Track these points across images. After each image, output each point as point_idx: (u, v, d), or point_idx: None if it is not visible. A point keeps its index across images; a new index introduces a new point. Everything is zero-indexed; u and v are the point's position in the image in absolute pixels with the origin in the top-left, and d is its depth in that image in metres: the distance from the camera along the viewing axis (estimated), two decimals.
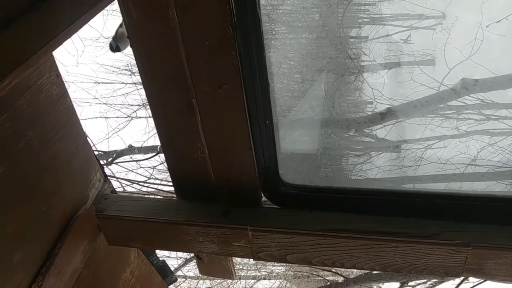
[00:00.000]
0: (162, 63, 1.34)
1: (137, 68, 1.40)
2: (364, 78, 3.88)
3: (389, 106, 3.26)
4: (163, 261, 2.09)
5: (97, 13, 1.02)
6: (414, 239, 1.38)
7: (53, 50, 1.19)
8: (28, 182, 1.36)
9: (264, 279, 10.62)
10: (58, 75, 1.46)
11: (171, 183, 1.71)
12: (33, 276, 1.39)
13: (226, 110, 1.38)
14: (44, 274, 1.40)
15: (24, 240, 1.36)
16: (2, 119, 1.25)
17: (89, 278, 1.64)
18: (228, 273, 1.85)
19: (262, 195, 1.58)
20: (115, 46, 4.63)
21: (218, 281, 10.21)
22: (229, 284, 10.26)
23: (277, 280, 10.87)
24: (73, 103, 1.58)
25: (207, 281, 10.00)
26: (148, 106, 1.48)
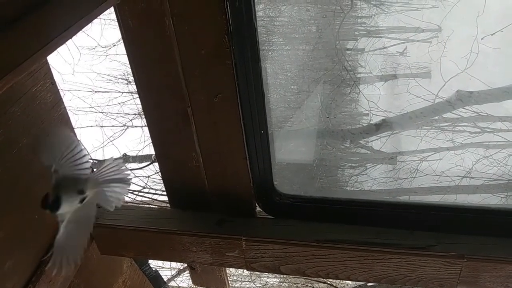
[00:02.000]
0: (158, 72, 1.34)
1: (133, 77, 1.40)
2: (360, 90, 3.90)
3: (384, 117, 3.27)
4: (156, 271, 2.07)
5: (92, 20, 1.02)
6: (409, 250, 1.38)
7: (48, 55, 1.18)
8: (21, 189, 1.35)
9: None
10: (53, 83, 1.45)
11: (165, 193, 1.70)
12: (24, 285, 1.38)
13: (221, 119, 1.38)
14: (34, 283, 1.39)
15: (16, 248, 1.34)
16: None
17: (80, 287, 1.62)
18: (221, 284, 1.84)
19: (257, 205, 1.58)
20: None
21: None
22: None
23: None
24: (69, 111, 1.58)
25: None
26: (144, 115, 1.48)
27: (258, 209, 1.60)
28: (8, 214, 1.30)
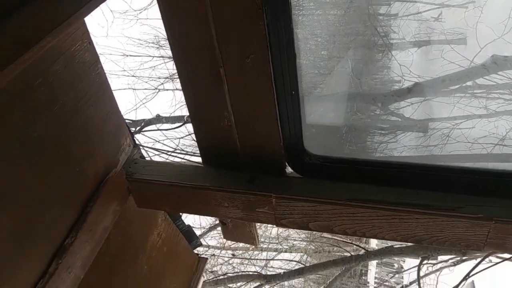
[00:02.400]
0: (191, 33, 1.37)
1: (164, 42, 1.43)
2: (392, 55, 3.83)
3: (417, 81, 3.21)
4: (188, 226, 2.16)
5: None
6: (437, 211, 1.39)
7: (85, 16, 1.23)
8: (62, 145, 1.42)
9: (286, 252, 10.76)
10: (91, 43, 1.50)
11: (197, 154, 1.75)
12: (67, 231, 1.47)
13: (253, 80, 1.40)
14: (77, 230, 1.48)
15: (60, 198, 1.43)
16: (38, 83, 1.30)
17: (118, 237, 1.72)
18: (251, 239, 1.91)
19: (287, 164, 1.61)
20: None
21: (240, 252, 10.40)
22: (250, 255, 10.44)
23: (298, 254, 10.99)
24: None
25: (229, 251, 10.20)
26: (175, 79, 1.52)
27: (288, 169, 1.64)
28: (50, 169, 1.39)
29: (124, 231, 1.74)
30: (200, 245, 2.25)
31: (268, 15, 1.27)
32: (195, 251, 2.31)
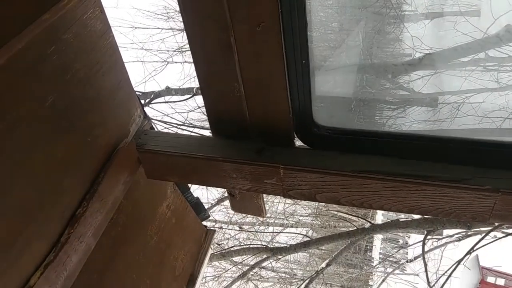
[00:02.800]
0: (202, 1, 1.36)
1: (173, 13, 1.43)
2: (404, 27, 3.76)
3: (428, 52, 3.17)
4: (197, 198, 2.19)
5: None
6: (444, 183, 1.40)
7: None
8: (75, 113, 1.44)
9: (291, 227, 10.88)
10: (102, 11, 1.50)
11: (206, 128, 1.76)
12: (79, 201, 1.50)
13: (263, 48, 1.40)
14: (88, 200, 1.51)
15: (72, 167, 1.45)
16: (51, 51, 1.31)
17: (129, 208, 1.75)
18: (259, 211, 1.93)
19: (295, 136, 1.62)
20: None
21: (247, 227, 10.54)
22: (257, 230, 10.58)
23: (304, 229, 11.12)
24: None
25: (236, 226, 10.34)
26: (184, 52, 1.51)
27: (296, 141, 1.65)
28: (64, 136, 1.41)
29: (134, 202, 1.77)
30: (208, 217, 2.28)
31: None
32: (203, 223, 2.35)
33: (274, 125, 1.58)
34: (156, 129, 1.90)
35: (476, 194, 1.38)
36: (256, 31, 1.35)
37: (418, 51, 3.31)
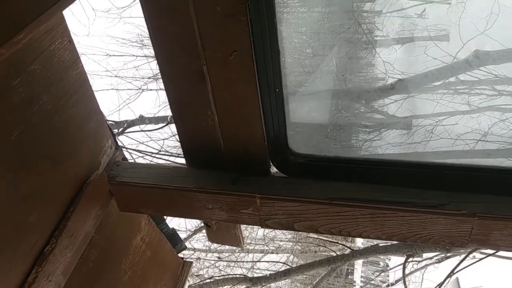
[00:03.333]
0: (173, 30, 1.35)
1: (147, 41, 1.41)
2: (376, 52, 3.84)
3: (400, 78, 3.23)
4: (173, 229, 2.13)
5: None
6: (421, 208, 1.39)
7: (63, 9, 1.20)
8: (42, 145, 1.39)
9: (272, 253, 10.76)
10: (71, 41, 1.47)
11: (182, 155, 1.73)
12: (47, 238, 1.44)
13: (236, 77, 1.39)
14: (57, 237, 1.45)
15: (39, 202, 1.39)
16: (16, 83, 1.27)
17: (101, 242, 1.69)
18: (236, 241, 1.89)
19: (271, 164, 1.60)
20: None
21: (226, 254, 10.37)
22: (237, 257, 10.42)
23: (285, 255, 11.01)
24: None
25: (216, 254, 10.17)
26: (159, 79, 1.49)
27: (272, 169, 1.62)
28: (31, 171, 1.35)
29: (107, 236, 1.71)
30: (185, 248, 2.22)
31: (251, 10, 1.26)
32: (180, 255, 2.28)
33: (250, 154, 1.56)
34: (132, 158, 1.86)
35: (453, 219, 1.38)
36: (229, 60, 1.34)
37: (391, 76, 3.37)
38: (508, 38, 2.72)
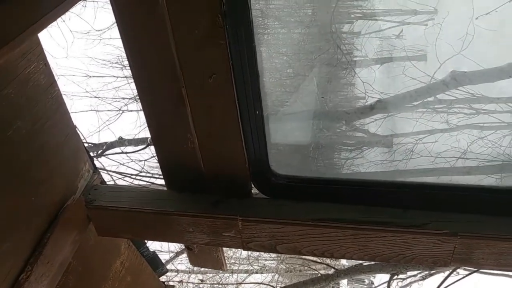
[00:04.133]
0: (151, 53, 1.34)
1: (127, 62, 1.40)
2: (355, 73, 3.89)
3: (379, 98, 3.27)
4: (154, 253, 2.09)
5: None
6: (403, 228, 1.39)
7: (39, 32, 1.19)
8: (16, 171, 1.35)
9: (257, 273, 10.64)
10: (47, 64, 1.45)
11: (162, 177, 1.70)
12: (22, 266, 1.39)
13: (216, 100, 1.38)
14: (33, 264, 1.40)
15: (13, 229, 1.35)
16: None
17: (79, 268, 1.64)
18: (219, 264, 1.86)
19: (253, 185, 1.59)
20: None
21: (210, 275, 10.21)
22: (221, 278, 10.27)
23: (269, 274, 10.90)
24: (64, 96, 1.58)
25: (199, 275, 10.01)
26: (139, 98, 1.48)
27: (254, 190, 1.61)
28: (4, 196, 1.31)
29: (85, 262, 1.66)
30: (166, 272, 2.18)
31: (230, 34, 1.26)
32: (162, 278, 2.23)
33: (231, 176, 1.54)
34: (111, 180, 1.82)
35: (436, 239, 1.38)
36: (208, 83, 1.33)
37: (370, 96, 3.40)
38: (483, 58, 2.79)
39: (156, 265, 2.12)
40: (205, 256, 1.84)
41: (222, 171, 1.54)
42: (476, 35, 2.77)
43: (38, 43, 1.41)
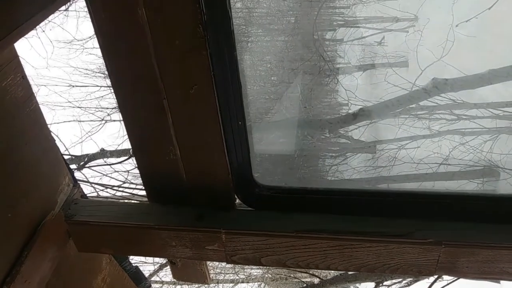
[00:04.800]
0: (132, 64, 1.31)
1: None
2: (338, 80, 3.92)
3: (361, 106, 3.29)
4: (136, 267, 2.04)
5: (57, 9, 0.99)
6: (387, 238, 1.39)
7: (13, 43, 1.16)
8: None
9: (242, 282, 10.58)
10: (24, 77, 1.41)
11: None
12: None
13: (197, 111, 1.36)
14: (9, 284, 1.35)
15: None
16: None
17: (58, 286, 1.59)
18: (202, 278, 1.83)
19: (236, 197, 1.56)
20: None
21: (196, 285, 10.12)
22: None
23: (255, 283, 10.85)
24: (46, 106, 1.54)
25: (185, 286, 9.90)
26: (119, 109, 1.45)
27: (238, 201, 1.59)
28: None
29: (64, 279, 1.61)
30: (149, 286, 2.13)
31: (211, 44, 1.24)
32: None
33: (214, 188, 1.52)
34: (95, 191, 1.78)
35: (420, 248, 1.37)
36: (189, 93, 1.31)
37: (353, 104, 3.43)
38: (463, 64, 2.83)
39: (139, 279, 2.08)
40: (188, 270, 1.81)
41: (205, 182, 1.52)
42: (456, 42, 2.81)
43: (15, 55, 1.37)
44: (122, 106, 1.42)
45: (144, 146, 1.50)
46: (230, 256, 1.50)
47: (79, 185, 1.68)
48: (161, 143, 1.46)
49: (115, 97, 1.44)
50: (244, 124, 1.41)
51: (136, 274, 2.03)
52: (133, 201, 1.67)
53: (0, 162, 1.33)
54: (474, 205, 1.43)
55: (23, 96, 1.42)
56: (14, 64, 1.38)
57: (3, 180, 1.35)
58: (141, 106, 1.40)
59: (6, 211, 1.36)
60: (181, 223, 1.50)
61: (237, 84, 1.32)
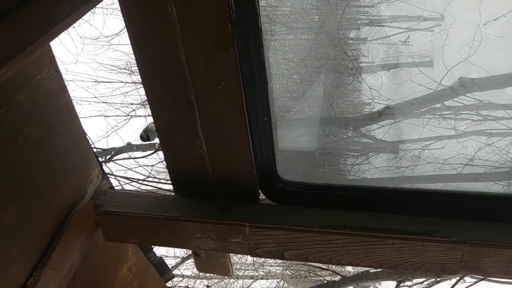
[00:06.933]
0: (161, 59, 1.35)
1: (136, 67, 1.41)
2: (362, 79, 3.90)
3: (386, 105, 3.27)
4: (161, 258, 2.09)
5: (93, 7, 1.03)
6: (411, 236, 1.39)
7: (50, 41, 1.20)
8: (26, 176, 1.36)
9: (262, 278, 10.62)
10: (57, 71, 1.46)
11: (169, 182, 1.71)
12: (30, 271, 1.39)
13: (224, 106, 1.38)
14: (41, 269, 1.40)
15: (22, 235, 1.36)
16: (0, 114, 1.25)
17: (86, 273, 1.64)
18: (225, 270, 1.86)
19: (260, 192, 1.59)
20: (146, 136, 5.52)
21: (216, 280, 10.20)
22: (227, 283, 10.25)
23: (275, 280, 10.87)
24: (73, 101, 1.59)
25: (205, 281, 10.00)
26: (147, 105, 1.49)
27: (261, 196, 1.61)
28: (13, 202, 1.32)
29: (92, 267, 1.67)
30: (173, 277, 2.18)
31: (239, 40, 1.26)
32: (167, 284, 2.23)
33: (238, 182, 1.54)
34: (119, 185, 1.83)
35: (444, 246, 1.37)
36: (217, 89, 1.34)
37: (377, 102, 3.41)
38: (490, 64, 2.79)
39: (163, 270, 2.12)
40: (212, 262, 1.84)
41: (230, 177, 1.54)
42: (483, 41, 2.77)
43: (49, 50, 1.42)
44: (151, 100, 1.46)
45: (172, 140, 1.53)
46: (254, 249, 1.53)
47: (108, 177, 1.73)
48: (188, 138, 1.49)
49: (142, 92, 1.48)
50: (269, 120, 1.43)
51: (160, 265, 2.08)
52: (159, 194, 1.71)
53: (35, 153, 1.38)
54: (499, 205, 1.42)
55: (56, 89, 1.47)
56: (48, 58, 1.43)
57: (37, 170, 1.40)
58: (169, 101, 1.43)
59: (39, 200, 1.41)
60: (206, 215, 1.53)
61: (263, 81, 1.34)
